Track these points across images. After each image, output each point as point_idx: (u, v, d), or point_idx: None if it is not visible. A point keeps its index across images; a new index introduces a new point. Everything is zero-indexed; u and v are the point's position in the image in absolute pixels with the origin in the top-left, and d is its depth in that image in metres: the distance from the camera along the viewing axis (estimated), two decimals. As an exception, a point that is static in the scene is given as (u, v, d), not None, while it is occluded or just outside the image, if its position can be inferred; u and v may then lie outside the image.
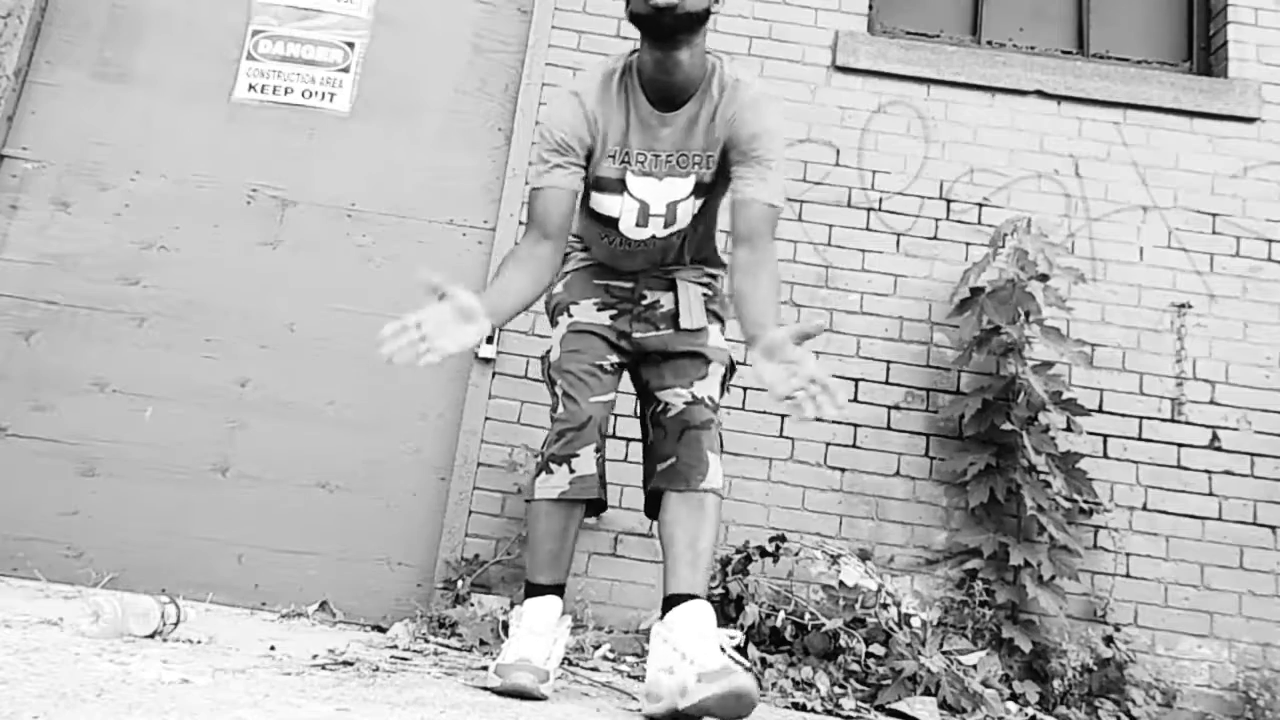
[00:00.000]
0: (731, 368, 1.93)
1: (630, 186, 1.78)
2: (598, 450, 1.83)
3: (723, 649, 1.65)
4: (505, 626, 2.43)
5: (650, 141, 1.76)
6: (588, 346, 1.87)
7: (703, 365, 1.86)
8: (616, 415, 2.79)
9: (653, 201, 1.79)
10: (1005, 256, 2.76)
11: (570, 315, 1.90)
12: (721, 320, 1.96)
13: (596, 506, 1.91)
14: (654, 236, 1.83)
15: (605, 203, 1.81)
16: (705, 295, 1.92)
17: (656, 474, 1.83)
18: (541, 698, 1.68)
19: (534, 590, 1.84)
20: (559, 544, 1.84)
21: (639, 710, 1.75)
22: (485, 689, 1.72)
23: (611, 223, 1.83)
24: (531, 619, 1.80)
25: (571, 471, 1.81)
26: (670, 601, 1.70)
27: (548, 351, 1.95)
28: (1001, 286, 2.73)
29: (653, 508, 1.87)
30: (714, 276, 1.98)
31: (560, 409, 1.85)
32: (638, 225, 1.81)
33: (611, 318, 1.90)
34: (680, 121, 1.75)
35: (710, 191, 1.83)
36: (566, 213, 1.77)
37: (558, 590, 1.85)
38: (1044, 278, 2.71)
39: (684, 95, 1.73)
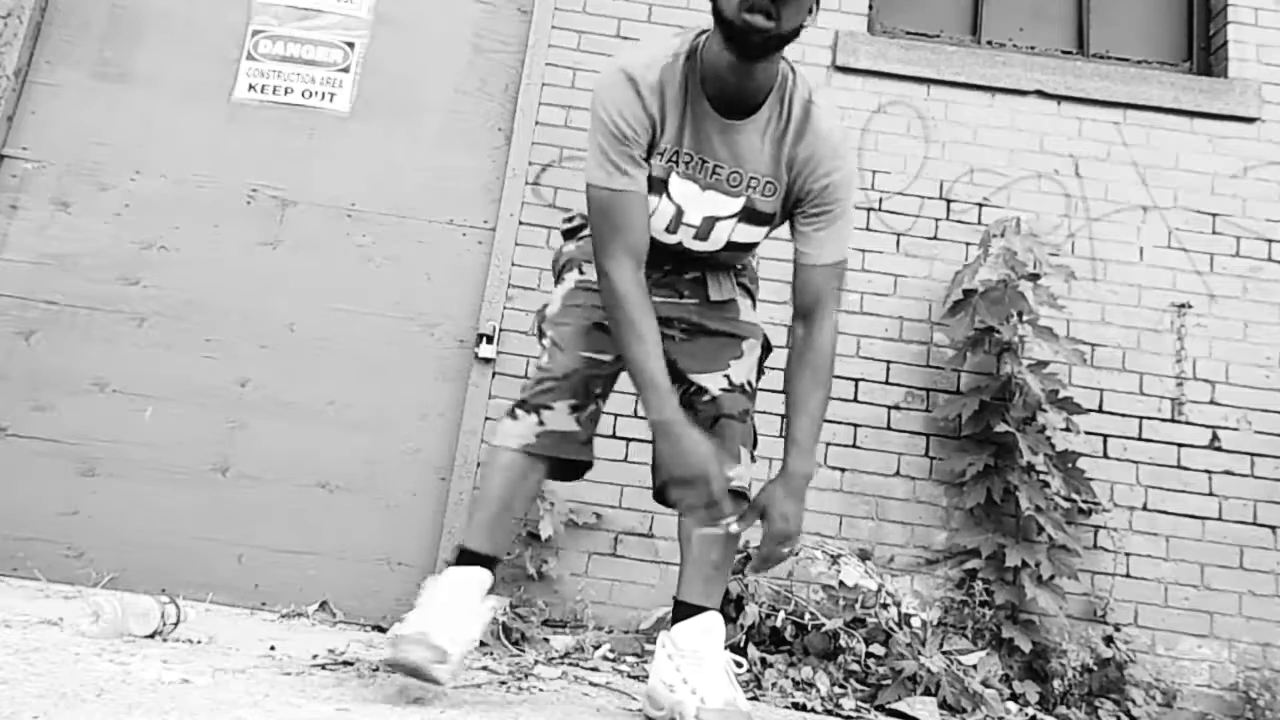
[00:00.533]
0: (767, 346, 1.78)
1: (671, 188, 1.59)
2: (577, 409, 1.64)
3: (729, 672, 1.59)
4: (505, 627, 2.43)
5: (703, 145, 1.57)
6: (594, 304, 1.65)
7: (736, 345, 1.71)
8: (616, 415, 2.79)
9: (689, 209, 1.61)
10: (994, 257, 2.77)
11: (581, 272, 1.72)
12: (752, 295, 1.80)
13: (569, 470, 1.72)
14: (682, 244, 1.67)
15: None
16: (735, 268, 1.78)
17: None
18: (433, 680, 1.46)
19: (462, 556, 1.62)
20: (503, 506, 1.62)
21: (639, 710, 1.75)
22: (381, 662, 1.56)
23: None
24: (447, 588, 1.57)
25: (541, 424, 1.61)
26: (680, 609, 1.63)
27: (544, 306, 1.77)
28: (994, 287, 2.73)
29: (664, 493, 1.66)
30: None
31: (544, 358, 1.68)
32: (667, 230, 1.64)
33: None
34: (741, 134, 1.57)
35: (763, 223, 1.64)
36: (648, 218, 1.59)
37: (489, 562, 1.62)
38: (1035, 277, 2.71)
39: (752, 104, 1.56)
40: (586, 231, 1.75)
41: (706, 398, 1.68)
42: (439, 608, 1.54)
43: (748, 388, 1.71)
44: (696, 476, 1.50)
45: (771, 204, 1.61)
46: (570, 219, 1.84)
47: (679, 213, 1.62)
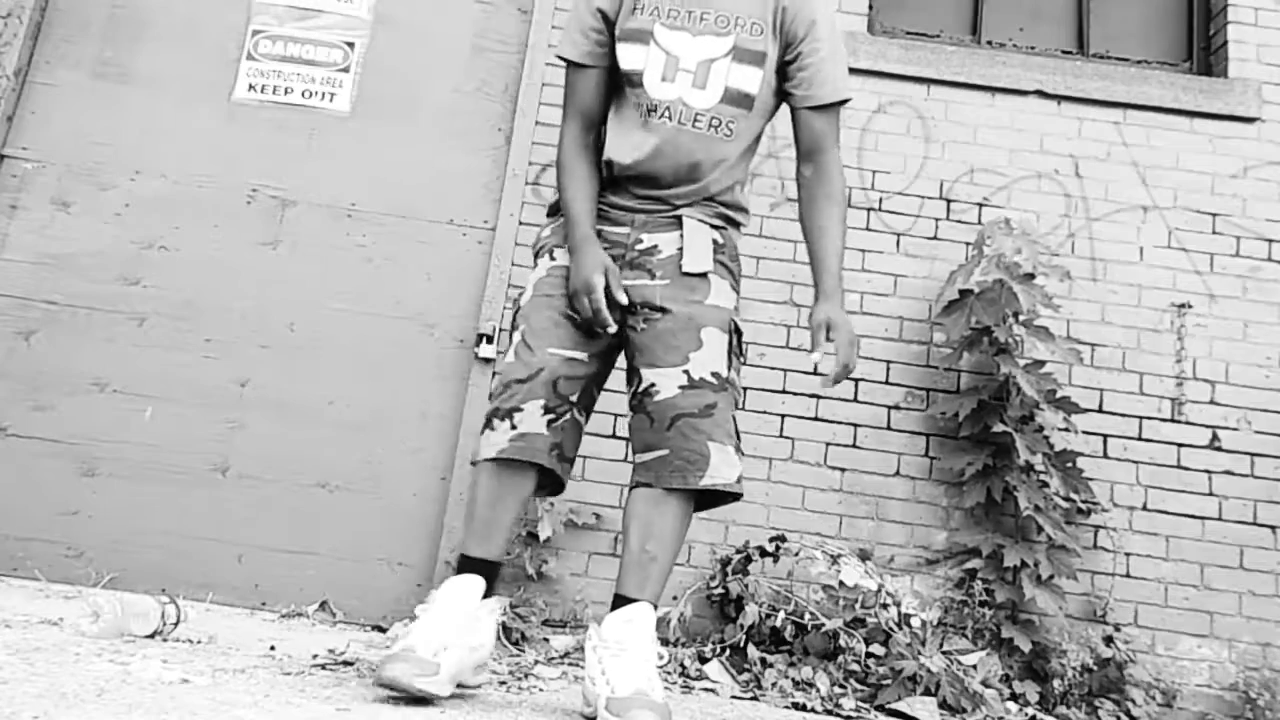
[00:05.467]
0: (735, 329, 1.71)
1: (658, 37, 1.68)
2: (549, 410, 1.60)
3: (648, 664, 1.53)
4: (505, 627, 2.43)
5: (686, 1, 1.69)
6: (564, 292, 1.66)
7: (694, 335, 1.63)
8: (616, 415, 2.79)
9: (683, 55, 1.67)
10: (988, 259, 2.76)
11: (553, 259, 1.72)
12: (732, 274, 1.76)
13: (552, 485, 1.70)
14: (685, 105, 1.67)
15: (630, 53, 1.69)
16: (715, 242, 1.73)
17: (638, 466, 1.63)
18: (422, 693, 1.44)
19: (461, 564, 1.63)
20: (491, 511, 1.62)
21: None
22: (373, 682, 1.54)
23: (637, 80, 1.69)
24: (441, 599, 1.57)
25: (513, 428, 1.59)
26: (615, 601, 1.61)
27: (519, 296, 1.75)
28: (989, 287, 2.73)
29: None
30: (730, 224, 1.80)
31: (510, 354, 1.66)
32: (664, 80, 1.68)
33: None
34: None
35: (756, 63, 1.69)
36: (602, 92, 1.74)
37: (483, 567, 1.62)
38: (1030, 277, 2.71)
39: None
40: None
41: (660, 397, 1.61)
42: (429, 621, 1.54)
43: (714, 379, 1.62)
44: (581, 287, 1.62)
45: (760, 43, 1.69)
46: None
47: (672, 60, 1.68)
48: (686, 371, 1.61)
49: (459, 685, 1.59)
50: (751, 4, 1.69)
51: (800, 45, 1.70)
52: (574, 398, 1.65)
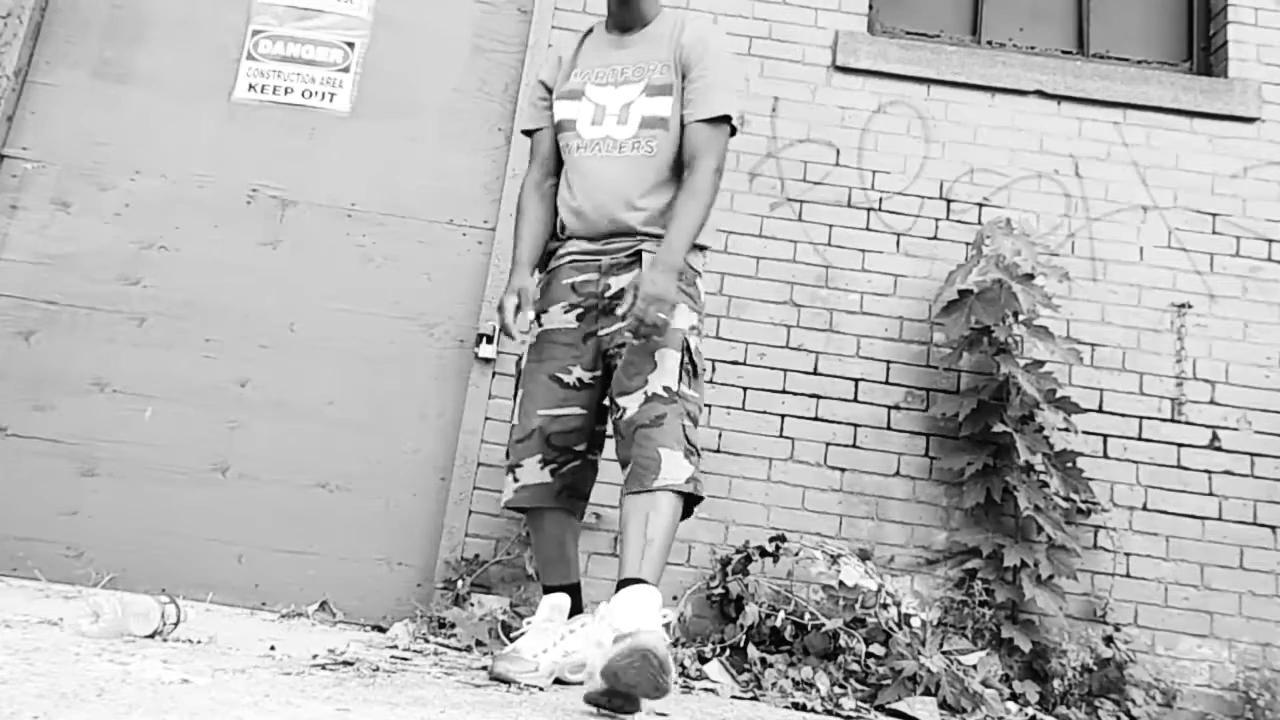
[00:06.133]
0: (687, 347, 1.89)
1: (588, 93, 2.05)
2: (548, 462, 1.95)
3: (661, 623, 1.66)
4: (505, 627, 2.43)
5: (608, 60, 2.06)
6: (550, 356, 1.99)
7: (649, 360, 1.85)
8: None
9: (609, 104, 2.03)
10: (987, 259, 2.76)
11: (540, 324, 2.03)
12: (690, 296, 1.95)
13: (580, 516, 2.10)
14: (610, 139, 1.99)
15: (566, 108, 2.06)
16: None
17: (624, 479, 1.85)
18: (525, 685, 1.81)
19: (544, 590, 2.05)
20: (541, 551, 2.03)
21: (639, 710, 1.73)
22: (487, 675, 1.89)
23: (569, 127, 2.05)
24: (539, 615, 2.00)
25: (516, 480, 1.97)
26: (618, 586, 1.73)
27: (520, 357, 2.08)
28: (989, 287, 2.73)
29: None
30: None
31: (515, 418, 2.01)
32: (593, 123, 2.02)
33: (578, 318, 1.99)
34: (635, 44, 2.06)
35: (663, 93, 2.00)
36: (552, 145, 2.11)
37: (560, 590, 2.02)
38: (1029, 277, 2.71)
39: (639, 25, 2.07)
40: (550, 264, 2.08)
41: (626, 415, 1.85)
42: (531, 631, 1.95)
43: (665, 392, 1.84)
44: (498, 306, 1.99)
45: (666, 76, 2.00)
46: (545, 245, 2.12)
47: (599, 109, 2.03)
48: (644, 391, 1.85)
49: (560, 681, 1.92)
50: (658, 49, 2.03)
51: (691, 72, 1.99)
52: (576, 446, 1.99)
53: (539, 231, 2.06)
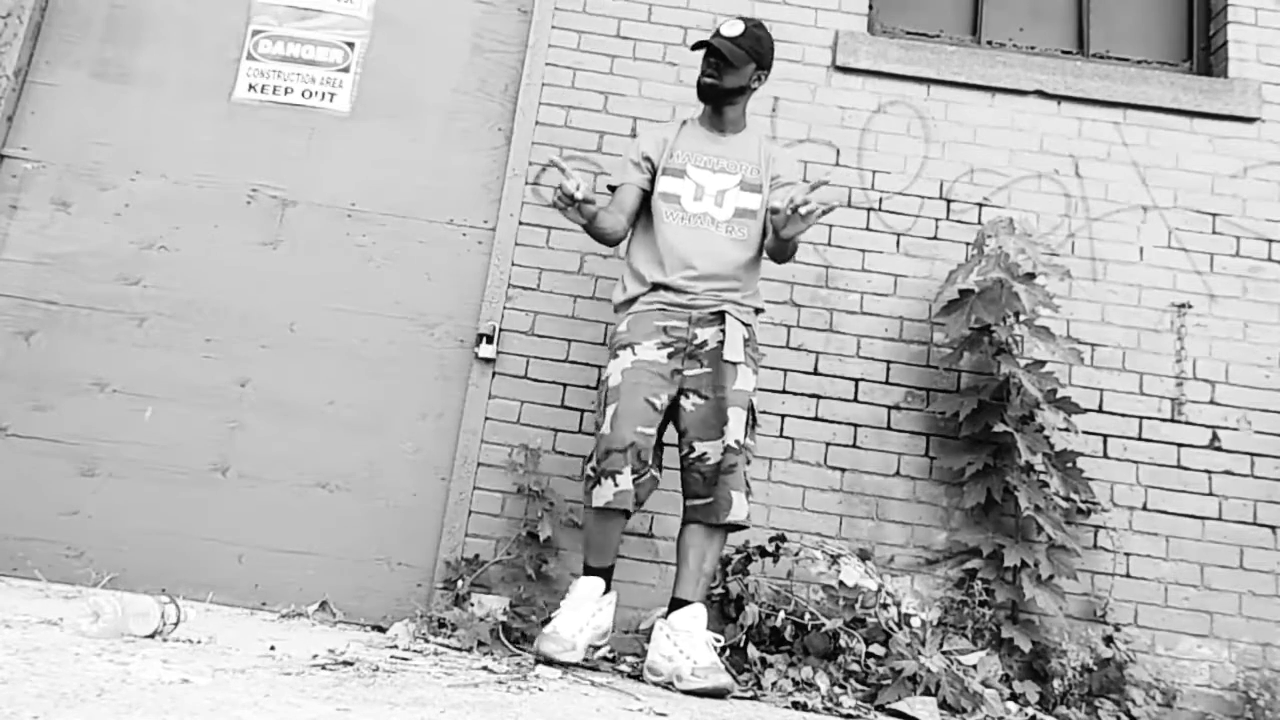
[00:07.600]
0: (751, 407, 2.33)
1: (690, 173, 2.45)
2: (635, 472, 2.25)
3: (711, 646, 2.18)
4: (505, 627, 2.43)
5: (706, 149, 2.48)
6: (645, 382, 2.29)
7: (724, 413, 2.28)
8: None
9: (707, 185, 2.44)
10: (989, 258, 2.76)
11: (634, 353, 2.32)
12: (754, 363, 2.38)
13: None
14: (710, 217, 2.41)
15: (671, 183, 2.44)
16: (745, 337, 2.35)
17: (691, 508, 2.31)
18: (562, 663, 2.13)
19: (585, 570, 2.32)
20: (604, 540, 2.31)
21: (639, 710, 1.75)
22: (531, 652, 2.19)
23: (675, 200, 2.42)
24: (575, 594, 2.27)
25: (616, 486, 2.23)
26: (675, 603, 2.24)
27: (606, 377, 2.34)
28: (990, 287, 2.73)
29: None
30: (755, 316, 2.46)
31: (607, 428, 2.26)
32: (695, 199, 2.42)
33: (669, 355, 2.32)
34: (728, 143, 2.49)
35: (754, 190, 2.45)
36: (636, 203, 2.45)
37: (602, 572, 2.31)
38: (1030, 276, 2.71)
39: (730, 130, 2.50)
40: (636, 306, 2.38)
41: (710, 462, 2.28)
42: (567, 609, 2.24)
43: (736, 445, 2.28)
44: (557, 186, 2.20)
45: (758, 178, 2.47)
46: (625, 289, 2.44)
47: (699, 188, 2.44)
48: (723, 442, 2.27)
49: (591, 648, 2.29)
50: (751, 154, 2.48)
51: (775, 179, 2.47)
52: (650, 460, 2.30)
53: (608, 217, 2.37)
